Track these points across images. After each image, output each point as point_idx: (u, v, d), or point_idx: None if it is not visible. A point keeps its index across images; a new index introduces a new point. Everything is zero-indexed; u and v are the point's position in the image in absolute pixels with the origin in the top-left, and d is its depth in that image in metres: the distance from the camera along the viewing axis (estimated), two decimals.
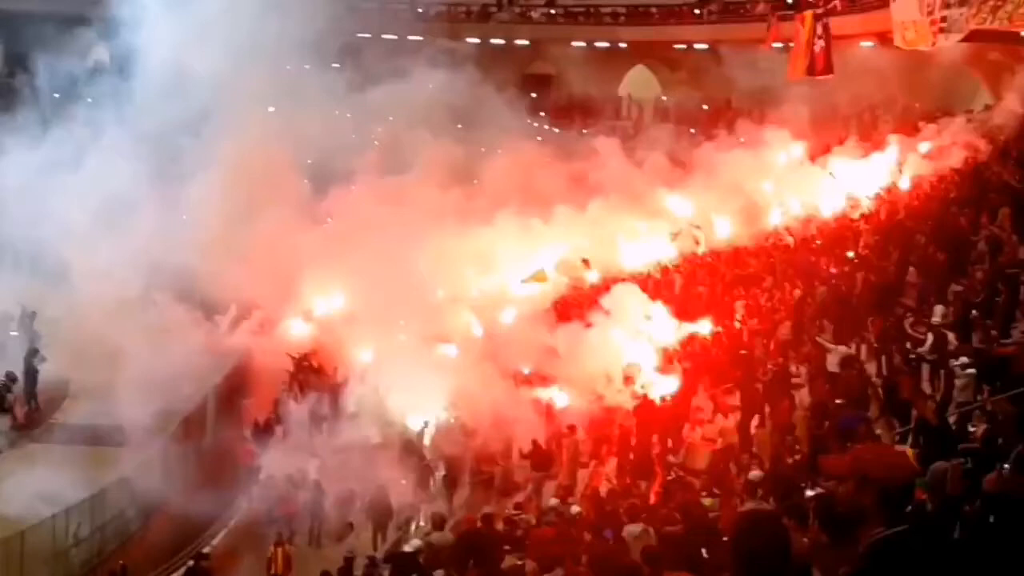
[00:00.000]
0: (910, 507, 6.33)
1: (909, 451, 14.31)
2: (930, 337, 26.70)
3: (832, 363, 28.36)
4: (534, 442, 30.77)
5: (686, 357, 33.19)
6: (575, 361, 33.22)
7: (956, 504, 8.53)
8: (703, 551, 9.73)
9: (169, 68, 43.21)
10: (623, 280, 40.01)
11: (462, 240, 40.57)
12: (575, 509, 22.63)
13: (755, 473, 19.34)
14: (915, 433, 20.28)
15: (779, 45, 49.33)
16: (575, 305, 38.84)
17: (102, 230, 40.47)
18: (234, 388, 39.33)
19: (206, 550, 30.12)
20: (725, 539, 10.64)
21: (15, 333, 42.19)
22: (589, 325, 34.42)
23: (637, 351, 33.32)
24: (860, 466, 6.45)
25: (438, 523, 25.12)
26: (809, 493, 14.26)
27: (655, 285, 39.95)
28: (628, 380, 32.10)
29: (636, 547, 12.91)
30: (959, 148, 42.99)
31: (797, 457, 23.06)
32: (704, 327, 34.83)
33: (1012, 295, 26.87)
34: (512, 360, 33.81)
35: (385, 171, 43.45)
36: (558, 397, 32.92)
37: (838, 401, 25.45)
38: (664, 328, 34.68)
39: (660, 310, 35.17)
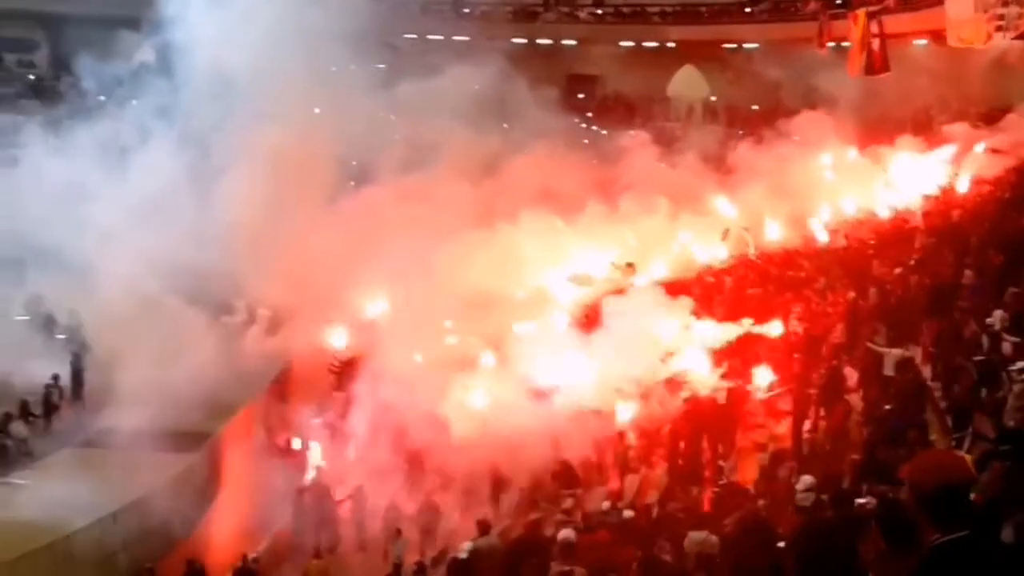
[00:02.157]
0: (969, 513, 6.29)
1: (967, 457, 14.32)
2: (985, 340, 26.62)
3: (887, 367, 28.32)
4: (563, 462, 30.63)
5: (737, 360, 33.04)
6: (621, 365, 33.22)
7: (999, 507, 8.50)
8: (759, 558, 9.75)
9: (213, 68, 43.31)
10: (669, 283, 39.92)
11: (503, 241, 40.48)
12: (628, 513, 22.62)
13: (806, 478, 19.32)
14: (973, 439, 20.23)
15: (831, 44, 49.26)
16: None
17: (145, 232, 40.69)
18: (282, 392, 39.44)
19: (253, 555, 30.19)
20: (781, 546, 10.71)
21: (62, 336, 42.58)
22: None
23: (687, 354, 33.22)
24: (913, 472, 6.45)
25: (483, 529, 25.18)
26: (860, 501, 14.25)
27: (704, 288, 39.86)
28: (675, 385, 32.04)
29: (694, 554, 12.92)
30: (1016, 147, 42.80)
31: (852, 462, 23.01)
32: (755, 328, 34.68)
33: None
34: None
35: (426, 170, 43.28)
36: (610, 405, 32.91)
37: (891, 406, 25.49)
38: (714, 331, 34.55)
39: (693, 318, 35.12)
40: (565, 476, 30.05)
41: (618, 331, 33.87)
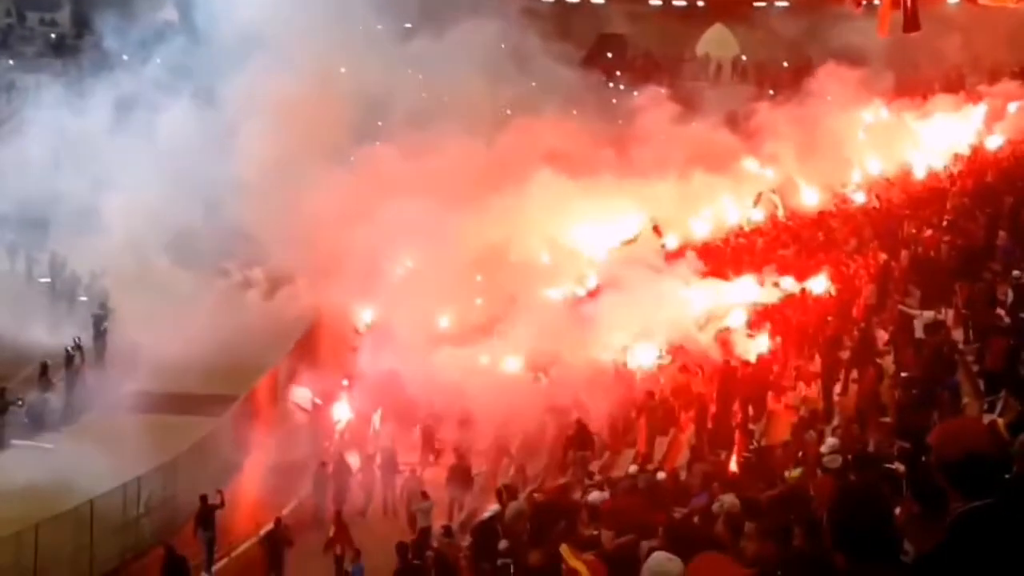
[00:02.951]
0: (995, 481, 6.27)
1: (999, 421, 14.23)
2: (1011, 294, 26.55)
3: (918, 329, 28.20)
4: (578, 422, 30.67)
5: (769, 322, 33.00)
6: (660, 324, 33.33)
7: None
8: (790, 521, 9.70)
9: (234, 25, 43.15)
10: (699, 246, 39.91)
11: (524, 204, 40.34)
12: (660, 475, 22.61)
13: (831, 441, 19.23)
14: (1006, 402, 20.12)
15: (864, 2, 48.88)
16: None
17: (163, 193, 40.69)
18: (305, 355, 39.35)
19: (282, 518, 30.14)
20: (815, 509, 10.63)
21: (84, 298, 42.75)
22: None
23: (728, 312, 33.33)
24: (938, 440, 6.42)
25: (511, 494, 25.16)
26: (890, 465, 14.18)
27: (734, 251, 39.80)
28: (723, 342, 32.12)
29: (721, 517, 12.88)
30: None
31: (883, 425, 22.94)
32: (789, 287, 34.65)
33: None
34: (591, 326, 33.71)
35: (441, 128, 42.84)
36: (642, 356, 32.92)
37: (923, 369, 25.37)
38: (744, 292, 34.55)
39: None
40: (579, 438, 30.18)
41: (647, 294, 33.98)
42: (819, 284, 34.28)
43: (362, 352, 36.41)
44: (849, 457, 17.07)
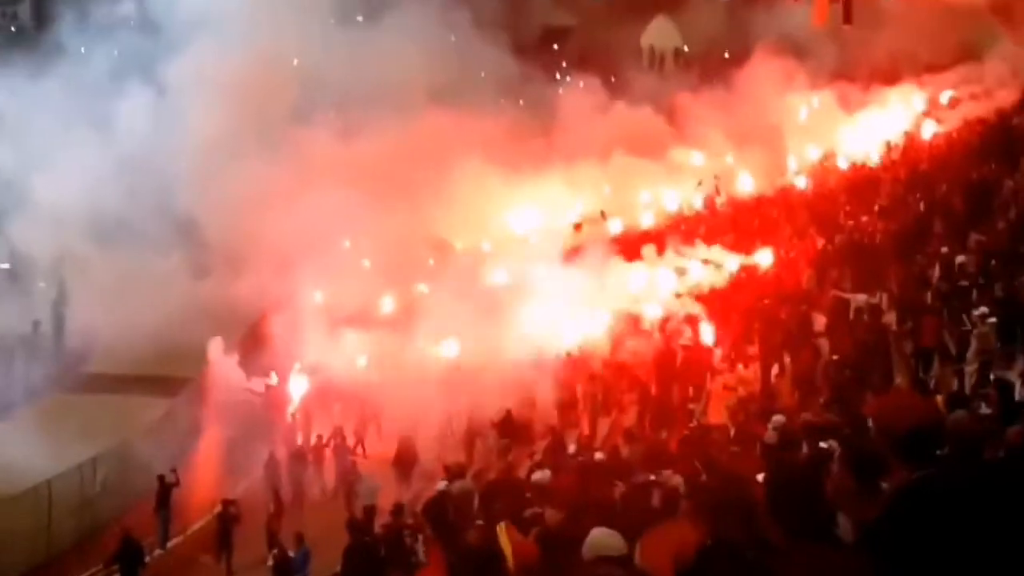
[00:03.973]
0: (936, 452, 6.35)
1: (938, 398, 14.19)
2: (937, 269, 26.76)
3: (852, 312, 28.30)
4: (507, 412, 30.64)
5: (708, 305, 33.09)
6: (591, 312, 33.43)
7: (973, 451, 8.49)
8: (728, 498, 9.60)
9: (188, 15, 42.90)
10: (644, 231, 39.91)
11: (477, 191, 40.20)
12: (599, 455, 22.51)
13: (777, 418, 19.17)
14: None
15: None
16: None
17: (124, 182, 40.37)
18: (258, 338, 39.07)
19: (232, 497, 29.99)
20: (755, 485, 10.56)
21: (43, 284, 42.40)
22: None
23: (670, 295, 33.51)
24: (883, 413, 6.49)
25: (458, 472, 25.03)
26: (823, 444, 14.12)
27: (679, 235, 39.79)
28: (663, 325, 32.24)
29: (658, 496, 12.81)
30: (983, 97, 42.80)
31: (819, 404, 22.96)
32: (730, 266, 34.88)
33: None
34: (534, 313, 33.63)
35: (402, 119, 42.47)
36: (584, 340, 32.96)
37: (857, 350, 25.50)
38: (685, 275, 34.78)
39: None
40: (504, 426, 30.27)
41: (588, 279, 34.00)
42: (764, 258, 34.48)
43: (307, 336, 35.94)
44: (785, 434, 17.02)
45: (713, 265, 35.35)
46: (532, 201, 42.56)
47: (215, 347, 34.92)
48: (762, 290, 33.10)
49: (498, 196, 41.11)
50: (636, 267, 35.36)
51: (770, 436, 16.85)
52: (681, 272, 35.20)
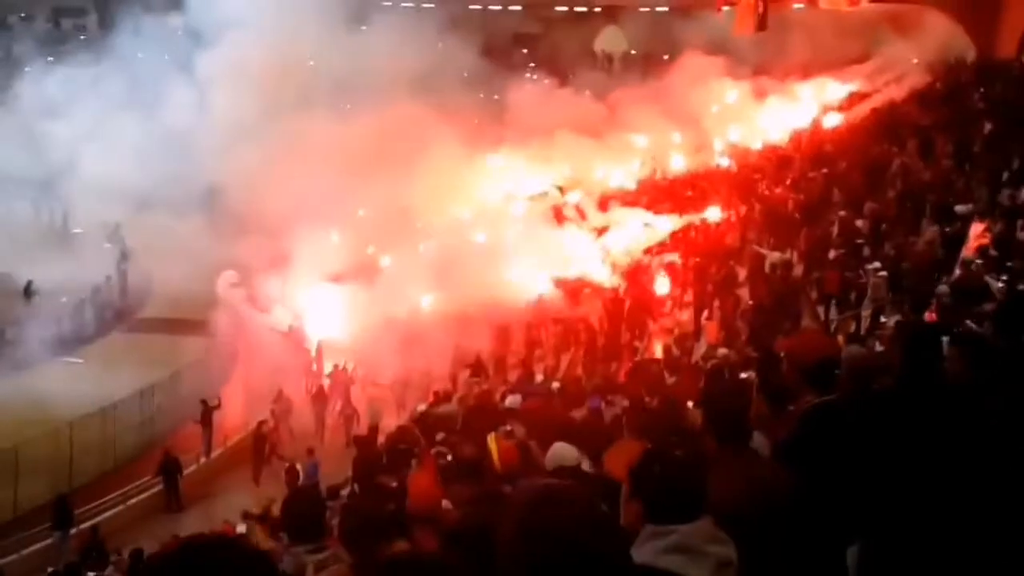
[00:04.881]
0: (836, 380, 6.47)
1: (840, 338, 14.14)
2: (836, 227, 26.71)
3: (768, 266, 28.36)
4: (477, 356, 30.63)
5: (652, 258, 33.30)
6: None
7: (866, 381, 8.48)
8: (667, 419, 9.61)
9: (225, 24, 42.63)
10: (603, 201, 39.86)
11: (455, 166, 39.96)
12: (555, 384, 22.47)
13: (722, 351, 19.10)
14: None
15: (726, 8, 48.80)
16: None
17: (167, 159, 40.51)
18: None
19: (214, 402, 30.26)
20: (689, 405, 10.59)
21: (108, 245, 42.66)
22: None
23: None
24: (794, 348, 6.66)
25: (444, 397, 25.03)
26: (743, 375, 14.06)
27: (628, 204, 39.71)
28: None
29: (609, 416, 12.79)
30: (876, 91, 43.00)
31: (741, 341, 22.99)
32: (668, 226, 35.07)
33: (917, 211, 26.76)
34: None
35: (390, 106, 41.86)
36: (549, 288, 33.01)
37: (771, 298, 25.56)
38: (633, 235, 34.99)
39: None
40: (476, 367, 30.16)
41: (550, 241, 34.13)
42: (711, 215, 34.93)
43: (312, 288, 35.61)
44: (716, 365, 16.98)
45: (652, 228, 35.47)
46: (501, 174, 42.52)
47: (224, 281, 34.67)
48: (694, 249, 33.15)
49: (471, 171, 40.96)
50: (588, 230, 35.53)
51: (711, 364, 16.81)
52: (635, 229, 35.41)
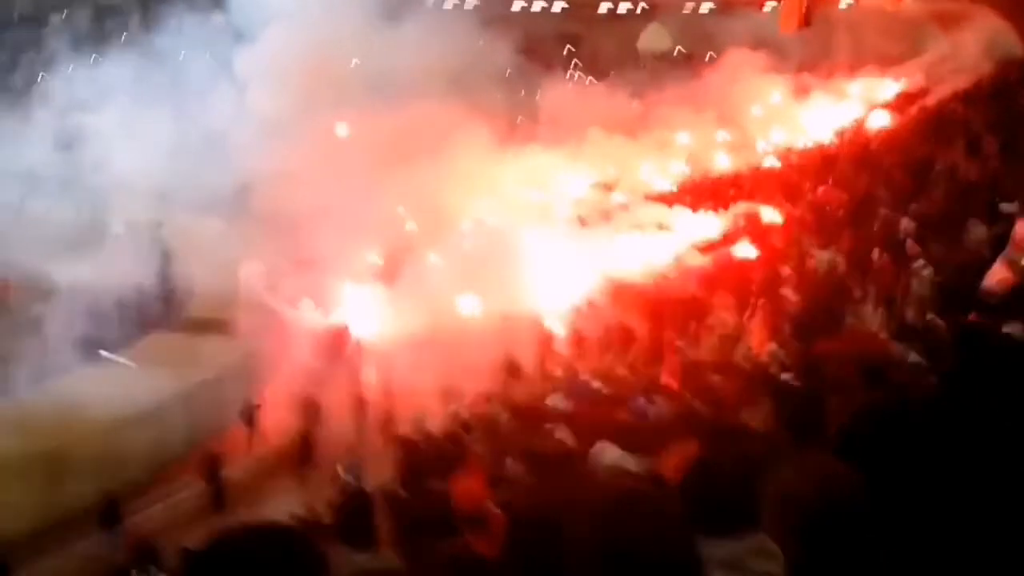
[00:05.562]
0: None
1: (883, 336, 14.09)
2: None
3: (814, 266, 28.28)
4: (507, 355, 30.40)
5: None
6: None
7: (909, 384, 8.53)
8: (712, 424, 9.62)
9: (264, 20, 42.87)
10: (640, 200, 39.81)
11: (495, 166, 39.94)
12: (596, 385, 22.46)
13: (772, 347, 18.97)
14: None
15: (770, 6, 48.80)
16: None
17: (205, 161, 40.58)
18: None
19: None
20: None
21: (150, 244, 42.58)
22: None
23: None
24: (844, 348, 6.64)
25: (488, 400, 25.07)
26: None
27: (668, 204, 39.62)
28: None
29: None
30: (922, 90, 42.77)
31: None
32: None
33: (963, 210, 26.59)
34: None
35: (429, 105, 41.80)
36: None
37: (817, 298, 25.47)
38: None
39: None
40: (511, 368, 30.05)
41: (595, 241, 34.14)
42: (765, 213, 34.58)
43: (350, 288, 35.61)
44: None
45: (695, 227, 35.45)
46: (542, 173, 42.46)
47: (247, 270, 34.79)
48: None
49: (511, 170, 40.90)
50: (633, 231, 35.45)
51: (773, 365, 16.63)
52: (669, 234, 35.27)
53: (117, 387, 30.29)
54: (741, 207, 35.90)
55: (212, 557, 2.96)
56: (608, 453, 8.20)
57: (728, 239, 34.42)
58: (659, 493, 3.40)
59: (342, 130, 40.20)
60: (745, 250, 32.51)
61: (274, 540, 2.99)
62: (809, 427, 5.71)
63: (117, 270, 38.11)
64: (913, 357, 10.70)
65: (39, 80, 50.66)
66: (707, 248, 34.12)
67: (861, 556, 4.98)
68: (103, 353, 34.87)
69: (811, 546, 4.20)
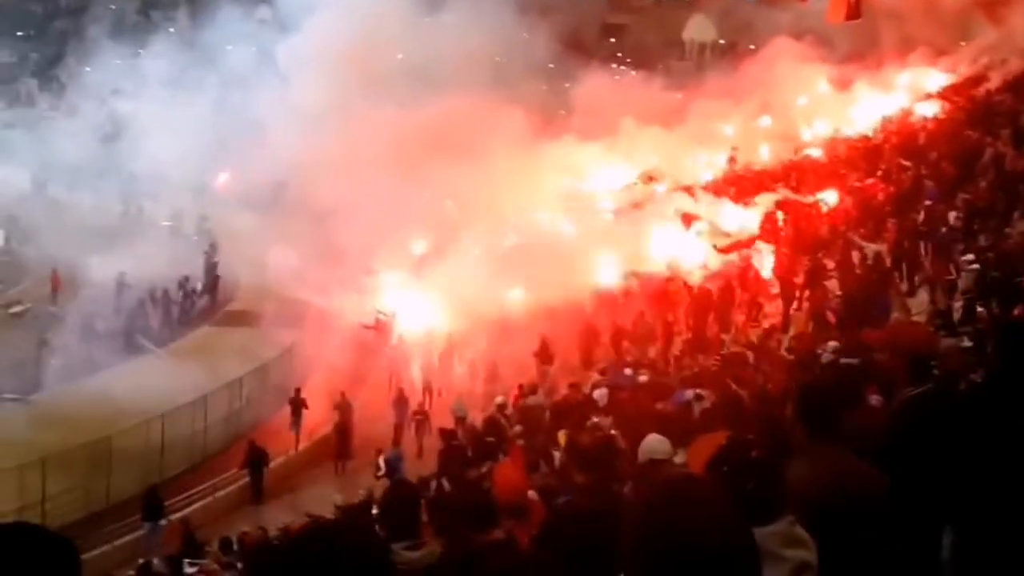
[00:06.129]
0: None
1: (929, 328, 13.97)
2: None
3: (865, 257, 28.16)
4: (542, 338, 30.35)
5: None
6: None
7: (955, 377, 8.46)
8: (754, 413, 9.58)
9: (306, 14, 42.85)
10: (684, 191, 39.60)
11: (540, 158, 39.78)
12: (643, 378, 22.41)
13: (832, 344, 18.75)
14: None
15: None
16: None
17: (249, 158, 40.59)
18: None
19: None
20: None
21: (196, 237, 43.55)
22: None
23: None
24: (893, 338, 6.64)
25: (531, 390, 25.05)
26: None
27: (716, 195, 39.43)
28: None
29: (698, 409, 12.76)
30: (969, 80, 42.41)
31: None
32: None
33: (1011, 199, 26.40)
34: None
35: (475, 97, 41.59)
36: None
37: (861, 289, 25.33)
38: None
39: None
40: (543, 353, 30.12)
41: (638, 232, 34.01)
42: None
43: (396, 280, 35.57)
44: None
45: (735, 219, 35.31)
46: (588, 166, 42.30)
47: (276, 254, 34.95)
48: (784, 240, 32.94)
49: (558, 162, 40.73)
50: (678, 222, 35.29)
51: (825, 357, 16.42)
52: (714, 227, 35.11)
53: (162, 379, 30.59)
54: (786, 198, 35.71)
55: (291, 555, 3.03)
56: (653, 446, 8.15)
57: (770, 232, 34.19)
58: (708, 484, 3.37)
59: (384, 121, 40.06)
60: (788, 243, 32.36)
61: (349, 539, 3.06)
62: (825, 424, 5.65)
63: (163, 263, 38.46)
64: (959, 349, 10.64)
65: (85, 71, 50.76)
66: (750, 240, 33.87)
67: (874, 550, 4.98)
68: (147, 345, 35.21)
69: (831, 535, 4.23)
